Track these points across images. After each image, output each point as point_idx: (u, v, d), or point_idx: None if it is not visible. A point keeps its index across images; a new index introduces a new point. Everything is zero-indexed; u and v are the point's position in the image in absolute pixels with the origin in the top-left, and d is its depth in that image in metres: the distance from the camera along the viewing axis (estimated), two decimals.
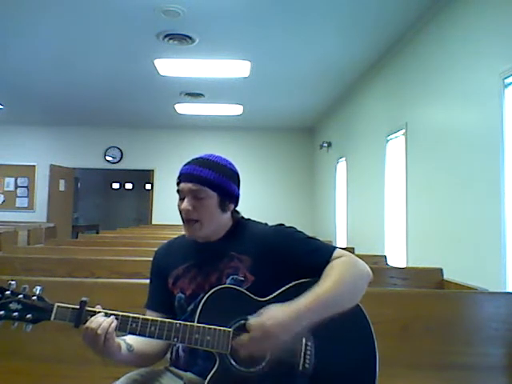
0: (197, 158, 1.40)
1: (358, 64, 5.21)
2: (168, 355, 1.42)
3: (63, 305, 1.22)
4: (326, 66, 5.33)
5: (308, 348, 1.24)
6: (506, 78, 2.65)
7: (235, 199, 1.42)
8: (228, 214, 1.42)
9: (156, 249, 1.54)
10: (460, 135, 3.24)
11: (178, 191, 1.38)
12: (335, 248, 1.34)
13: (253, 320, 1.18)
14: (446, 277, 2.75)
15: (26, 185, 9.27)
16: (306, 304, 1.19)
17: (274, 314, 1.17)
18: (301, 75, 5.69)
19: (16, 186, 9.28)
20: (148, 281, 1.49)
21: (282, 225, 1.43)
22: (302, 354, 1.24)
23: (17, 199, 9.26)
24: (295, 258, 1.33)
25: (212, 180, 1.34)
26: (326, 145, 7.69)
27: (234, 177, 1.41)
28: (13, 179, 9.27)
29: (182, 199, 1.37)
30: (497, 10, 2.81)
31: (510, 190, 2.63)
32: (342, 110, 6.93)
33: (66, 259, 2.99)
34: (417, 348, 1.89)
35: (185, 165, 1.39)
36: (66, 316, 1.21)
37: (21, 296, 1.22)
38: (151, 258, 1.51)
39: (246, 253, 1.36)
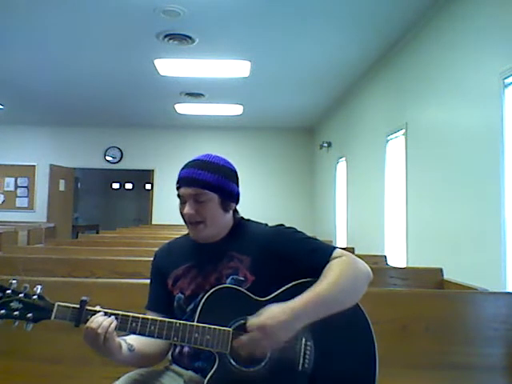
0: (194, 161, 1.39)
1: (358, 64, 5.21)
2: (169, 354, 1.42)
3: (63, 304, 1.23)
4: (326, 66, 5.33)
5: (308, 347, 1.25)
6: (506, 78, 2.65)
7: (236, 198, 1.42)
8: (230, 214, 1.42)
9: (156, 249, 1.54)
10: (460, 135, 3.24)
11: (179, 196, 1.38)
12: (335, 248, 1.34)
13: (252, 320, 1.18)
14: (446, 277, 2.75)
15: (26, 185, 9.27)
16: (305, 302, 1.19)
17: (273, 314, 1.17)
18: (301, 75, 5.69)
19: (16, 186, 9.28)
20: (148, 281, 1.49)
21: (282, 225, 1.43)
22: (302, 353, 1.24)
23: (17, 199, 9.26)
24: (295, 257, 1.33)
25: (211, 182, 1.34)
26: (326, 145, 7.70)
27: (233, 175, 1.41)
28: (13, 179, 9.27)
29: (183, 203, 1.37)
30: (497, 10, 2.81)
31: (510, 190, 2.63)
32: (342, 110, 6.93)
33: (66, 259, 2.99)
34: (417, 348, 1.89)
35: (182, 168, 1.39)
36: (66, 315, 1.22)
37: (21, 295, 1.23)
38: (151, 258, 1.51)
39: (246, 253, 1.36)
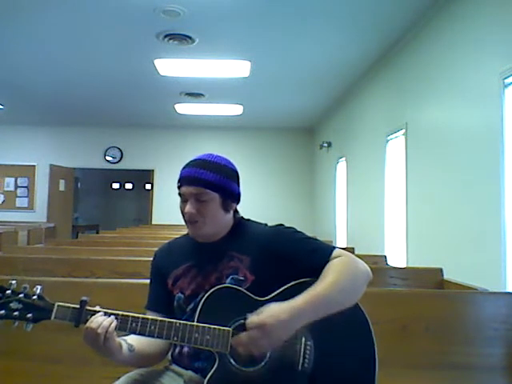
0: (195, 160, 1.39)
1: (358, 64, 5.21)
2: (169, 354, 1.42)
3: (63, 304, 1.23)
4: (326, 66, 5.33)
5: (307, 347, 1.25)
6: (506, 78, 2.65)
7: (237, 198, 1.42)
8: (230, 214, 1.42)
9: (156, 249, 1.54)
10: (460, 135, 3.24)
11: (180, 194, 1.38)
12: (334, 248, 1.34)
13: (252, 318, 1.17)
14: (446, 277, 2.75)
15: (26, 185, 9.27)
16: (305, 302, 1.19)
17: (272, 312, 1.17)
18: (301, 75, 5.69)
19: (16, 186, 9.28)
20: (148, 281, 1.49)
21: (282, 225, 1.43)
22: (302, 353, 1.24)
23: (17, 199, 9.26)
24: (294, 257, 1.33)
25: (213, 182, 1.34)
26: (326, 145, 7.70)
27: (234, 175, 1.41)
28: (13, 179, 9.27)
29: (184, 202, 1.37)
30: (497, 9, 2.81)
31: (510, 190, 2.63)
32: (342, 110, 6.93)
33: (66, 259, 2.99)
34: (416, 348, 1.89)
35: (184, 167, 1.39)
36: (66, 315, 1.22)
37: (21, 295, 1.23)
38: (151, 258, 1.51)
39: (246, 252, 1.36)
